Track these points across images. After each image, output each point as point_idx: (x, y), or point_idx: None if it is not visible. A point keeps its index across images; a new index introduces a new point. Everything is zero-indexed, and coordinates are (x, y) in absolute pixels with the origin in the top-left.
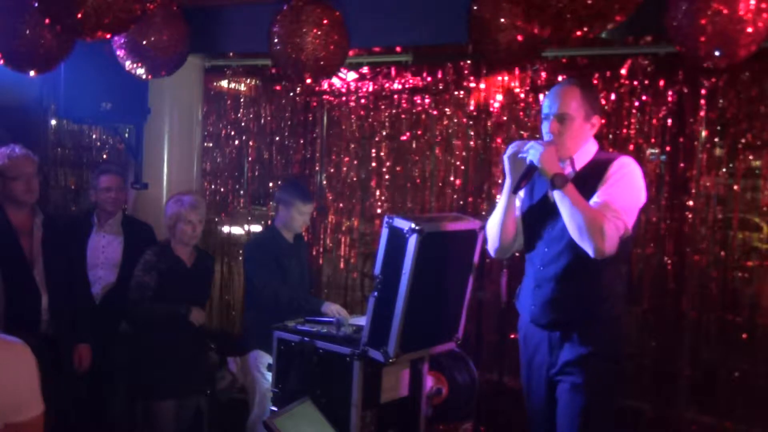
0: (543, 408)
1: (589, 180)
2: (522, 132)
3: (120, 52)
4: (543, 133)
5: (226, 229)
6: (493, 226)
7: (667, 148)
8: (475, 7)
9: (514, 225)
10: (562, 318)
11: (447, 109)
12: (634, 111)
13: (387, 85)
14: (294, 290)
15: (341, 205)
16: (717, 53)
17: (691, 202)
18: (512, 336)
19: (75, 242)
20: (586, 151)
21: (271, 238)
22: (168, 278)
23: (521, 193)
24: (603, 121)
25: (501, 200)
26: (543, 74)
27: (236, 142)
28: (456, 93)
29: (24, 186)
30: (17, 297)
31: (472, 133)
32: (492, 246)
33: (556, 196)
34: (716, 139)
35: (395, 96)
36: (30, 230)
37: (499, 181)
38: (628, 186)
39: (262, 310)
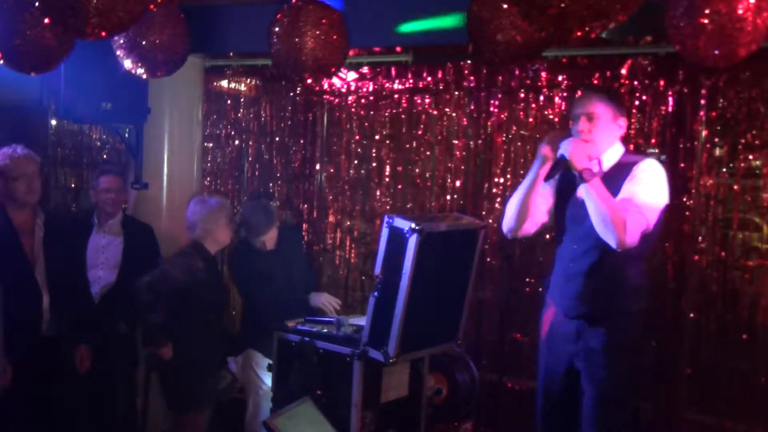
0: (560, 396)
1: (615, 180)
2: (522, 132)
3: (120, 52)
4: (573, 132)
5: None
6: (512, 206)
7: (667, 148)
8: (474, 7)
9: (531, 209)
10: (590, 311)
11: (447, 109)
12: (634, 111)
13: (387, 85)
14: (281, 294)
15: (341, 205)
16: (716, 52)
17: (691, 202)
18: (513, 336)
19: (76, 242)
20: (614, 153)
21: (245, 252)
22: (207, 284)
23: (548, 187)
24: (626, 119)
25: (524, 182)
26: (543, 74)
27: (236, 142)
28: (456, 93)
29: (25, 186)
30: (18, 297)
31: (471, 133)
32: (506, 225)
33: (583, 189)
34: (716, 139)
35: (395, 96)
36: (31, 230)
37: (499, 180)
38: (652, 185)
39: (257, 311)
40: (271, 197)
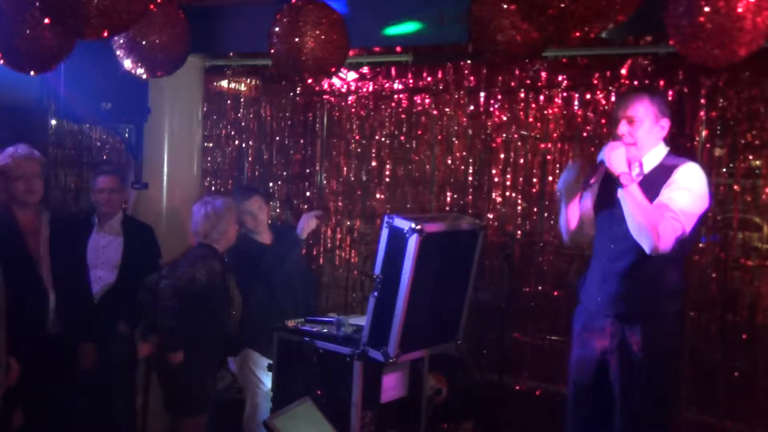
0: (590, 390)
1: (655, 182)
2: (522, 132)
3: (120, 52)
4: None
5: None
6: (561, 216)
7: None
8: (474, 8)
9: (577, 217)
10: (625, 310)
11: (447, 109)
12: None
13: (387, 85)
14: (277, 292)
15: (341, 205)
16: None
17: None
18: (513, 336)
19: (80, 242)
20: (656, 154)
21: (244, 249)
22: (219, 288)
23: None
24: (669, 119)
25: (562, 190)
26: (543, 74)
27: (236, 142)
28: (456, 93)
29: (24, 186)
30: (24, 296)
31: (471, 133)
32: (564, 235)
33: (620, 193)
34: (716, 139)
35: (395, 96)
36: (37, 230)
37: (499, 180)
38: (690, 190)
39: (255, 310)
40: (271, 197)
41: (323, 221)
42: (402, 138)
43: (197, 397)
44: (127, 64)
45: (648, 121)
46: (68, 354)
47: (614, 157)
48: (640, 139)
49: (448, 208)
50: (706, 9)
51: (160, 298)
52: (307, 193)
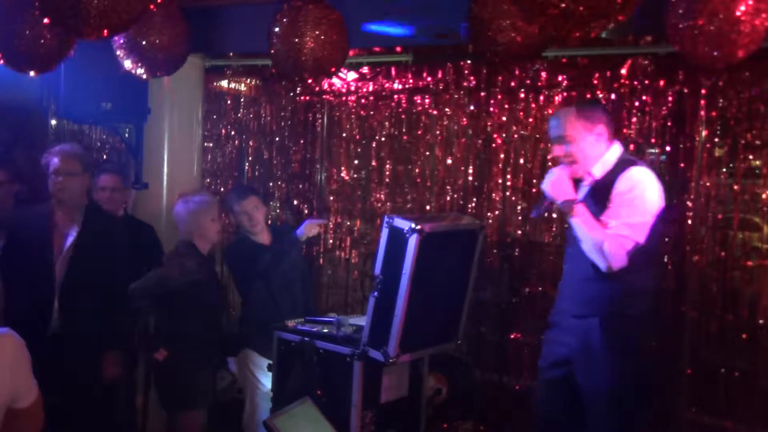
0: (557, 385)
1: (603, 190)
2: (522, 132)
3: (120, 52)
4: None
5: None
6: None
7: (667, 148)
8: (474, 8)
9: None
10: (587, 311)
11: (447, 109)
12: (634, 111)
13: (387, 85)
14: (275, 292)
15: (341, 205)
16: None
17: (691, 202)
18: (512, 336)
19: (113, 246)
20: (607, 159)
21: (242, 248)
22: (202, 285)
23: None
24: (604, 123)
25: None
26: (543, 74)
27: (236, 142)
28: (456, 93)
29: (52, 183)
30: (31, 293)
31: (471, 133)
32: None
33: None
34: (716, 139)
35: (395, 96)
36: (68, 228)
37: (499, 180)
38: (632, 202)
39: (253, 309)
40: (271, 197)
41: (325, 228)
42: (402, 138)
43: (188, 392)
44: (127, 64)
45: (579, 135)
46: (73, 355)
47: (553, 186)
48: (579, 155)
49: (448, 208)
50: (705, 11)
51: (130, 300)
52: (307, 193)
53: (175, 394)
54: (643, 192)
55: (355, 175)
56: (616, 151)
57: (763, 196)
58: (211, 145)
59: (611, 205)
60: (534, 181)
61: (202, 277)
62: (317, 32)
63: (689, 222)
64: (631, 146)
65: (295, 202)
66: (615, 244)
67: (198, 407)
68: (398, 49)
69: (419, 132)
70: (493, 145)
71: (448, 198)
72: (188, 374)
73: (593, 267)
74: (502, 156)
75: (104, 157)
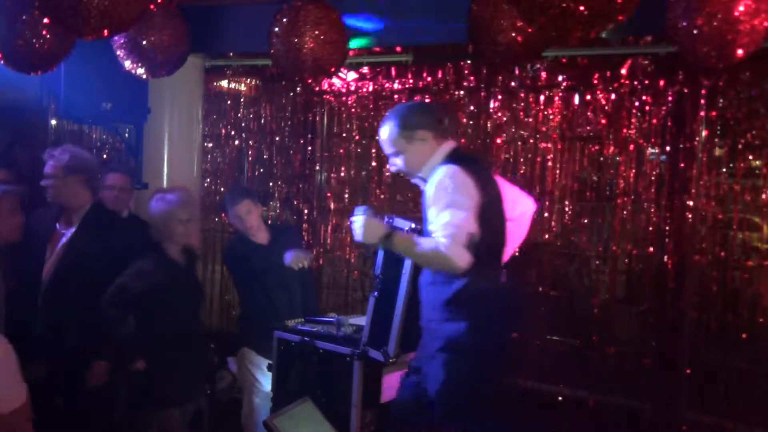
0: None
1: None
2: (522, 132)
3: (120, 52)
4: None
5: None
6: None
7: (667, 148)
8: (474, 8)
9: None
10: (422, 316)
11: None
12: (634, 111)
13: (387, 85)
14: (273, 291)
15: (341, 205)
16: (714, 54)
17: (691, 202)
18: (512, 336)
19: (110, 248)
20: (432, 162)
21: (239, 247)
22: (165, 286)
23: None
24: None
25: None
26: (543, 74)
27: (236, 142)
28: (456, 93)
29: (45, 186)
30: (19, 294)
31: (471, 133)
32: None
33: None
34: (716, 139)
35: (395, 96)
36: (65, 229)
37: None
38: (445, 201)
39: (250, 309)
40: (271, 197)
41: (311, 262)
42: None
43: (162, 392)
44: (127, 64)
45: (402, 147)
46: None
47: (363, 232)
48: (408, 164)
49: None
50: (705, 12)
51: (102, 312)
52: (307, 194)
53: (149, 394)
54: (450, 190)
55: (355, 175)
56: (443, 151)
57: (763, 196)
58: (211, 145)
59: (429, 211)
60: (534, 181)
61: (162, 278)
62: (317, 32)
63: (689, 222)
64: (631, 146)
65: (295, 202)
66: (450, 243)
67: (173, 406)
68: (398, 49)
69: None
70: (493, 145)
71: None
72: (161, 375)
73: (424, 272)
74: (502, 156)
75: (104, 157)
